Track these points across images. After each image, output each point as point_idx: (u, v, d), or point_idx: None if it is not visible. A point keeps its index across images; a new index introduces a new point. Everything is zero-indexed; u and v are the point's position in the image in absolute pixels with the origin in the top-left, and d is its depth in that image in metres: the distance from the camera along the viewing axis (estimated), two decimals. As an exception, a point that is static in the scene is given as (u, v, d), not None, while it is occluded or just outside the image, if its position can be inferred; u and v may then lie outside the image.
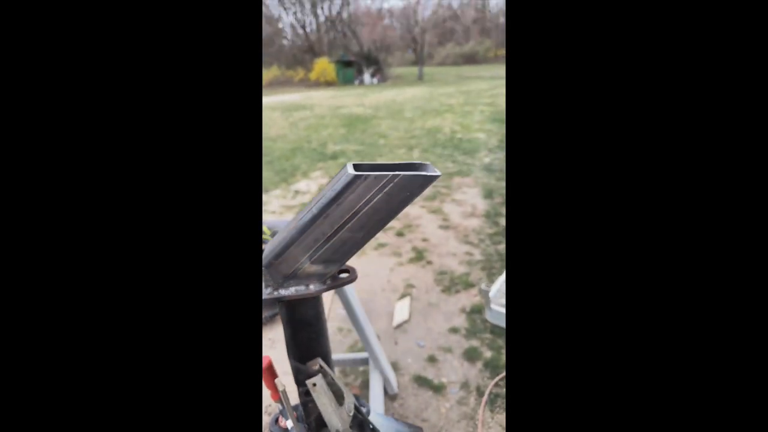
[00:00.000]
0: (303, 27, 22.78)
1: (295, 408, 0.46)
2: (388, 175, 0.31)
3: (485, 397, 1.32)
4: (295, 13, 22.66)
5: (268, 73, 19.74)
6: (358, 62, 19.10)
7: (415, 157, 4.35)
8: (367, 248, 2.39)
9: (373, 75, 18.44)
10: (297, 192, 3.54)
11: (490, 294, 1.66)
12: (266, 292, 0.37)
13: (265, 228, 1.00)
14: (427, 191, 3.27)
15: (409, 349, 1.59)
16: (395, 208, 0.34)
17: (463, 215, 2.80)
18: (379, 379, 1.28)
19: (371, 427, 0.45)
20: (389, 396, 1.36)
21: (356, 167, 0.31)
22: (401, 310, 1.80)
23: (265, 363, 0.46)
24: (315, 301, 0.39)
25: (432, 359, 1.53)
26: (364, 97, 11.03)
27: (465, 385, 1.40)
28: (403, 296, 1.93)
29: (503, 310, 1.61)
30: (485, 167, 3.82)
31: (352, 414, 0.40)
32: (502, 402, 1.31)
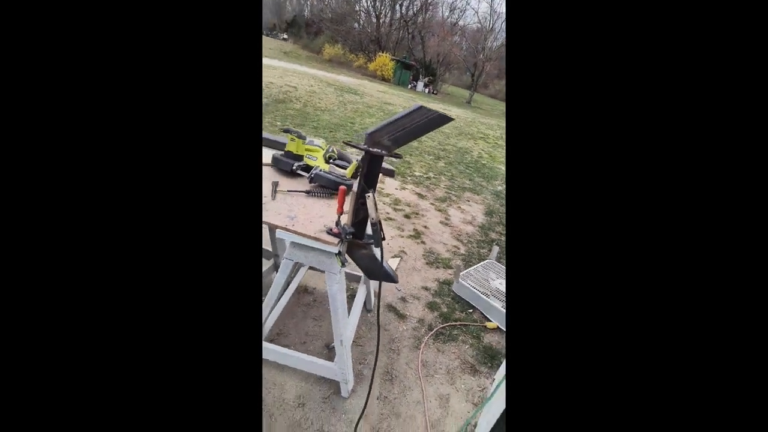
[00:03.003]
0: (377, 17, 23.38)
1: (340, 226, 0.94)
2: (433, 110, 0.79)
3: (433, 331, 1.78)
4: (374, 0, 23.23)
5: (332, 49, 20.59)
6: (417, 68, 19.73)
7: (439, 166, 4.84)
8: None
9: (426, 85, 19.06)
10: (332, 158, 4.05)
11: (461, 273, 2.13)
12: (364, 147, 0.85)
13: (322, 143, 1.44)
14: (441, 194, 3.76)
15: (389, 289, 2.06)
16: (427, 129, 0.82)
17: (462, 221, 3.27)
18: (363, 294, 1.75)
19: (383, 235, 0.92)
20: (366, 309, 1.83)
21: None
22: (391, 263, 2.27)
23: (341, 190, 0.94)
24: (381, 158, 0.87)
25: (403, 299, 1.99)
26: (412, 102, 11.58)
27: (420, 321, 1.86)
28: (395, 256, 2.40)
29: (465, 284, 2.07)
30: (495, 193, 4.28)
31: (379, 218, 0.88)
32: (443, 338, 1.77)
